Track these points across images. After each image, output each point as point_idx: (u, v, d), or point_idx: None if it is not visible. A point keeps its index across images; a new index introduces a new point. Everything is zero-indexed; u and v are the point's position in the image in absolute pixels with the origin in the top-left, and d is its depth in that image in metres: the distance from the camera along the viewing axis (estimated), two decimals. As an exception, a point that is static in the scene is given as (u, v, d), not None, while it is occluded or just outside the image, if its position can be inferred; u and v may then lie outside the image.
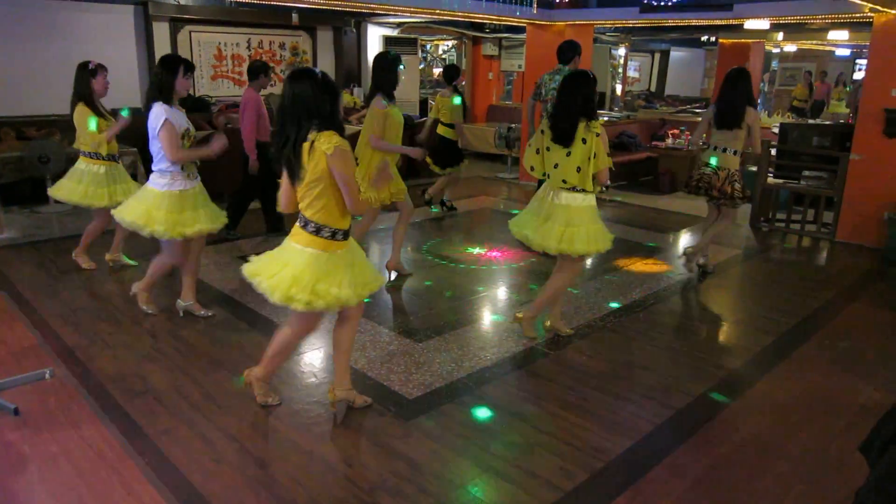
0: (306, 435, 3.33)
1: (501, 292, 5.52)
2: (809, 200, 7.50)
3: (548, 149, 4.13)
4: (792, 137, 8.01)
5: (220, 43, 10.03)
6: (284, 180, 3.18)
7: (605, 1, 8.99)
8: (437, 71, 15.71)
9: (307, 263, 3.13)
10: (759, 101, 15.01)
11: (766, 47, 14.41)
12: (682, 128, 10.45)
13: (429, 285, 5.59)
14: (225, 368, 4.01)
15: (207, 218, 4.51)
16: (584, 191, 4.08)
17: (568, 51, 6.30)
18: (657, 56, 17.73)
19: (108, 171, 5.39)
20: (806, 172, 7.70)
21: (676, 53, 18.50)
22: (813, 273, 6.28)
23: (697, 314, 5.13)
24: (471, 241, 6.91)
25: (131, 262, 5.78)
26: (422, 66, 13.98)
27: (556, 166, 4.08)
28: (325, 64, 11.31)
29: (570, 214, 4.08)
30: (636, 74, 17.57)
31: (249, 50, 10.35)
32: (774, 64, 16.55)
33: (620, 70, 15.28)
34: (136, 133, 8.51)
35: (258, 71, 6.21)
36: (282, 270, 3.14)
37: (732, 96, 5.42)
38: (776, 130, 9.46)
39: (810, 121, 12.43)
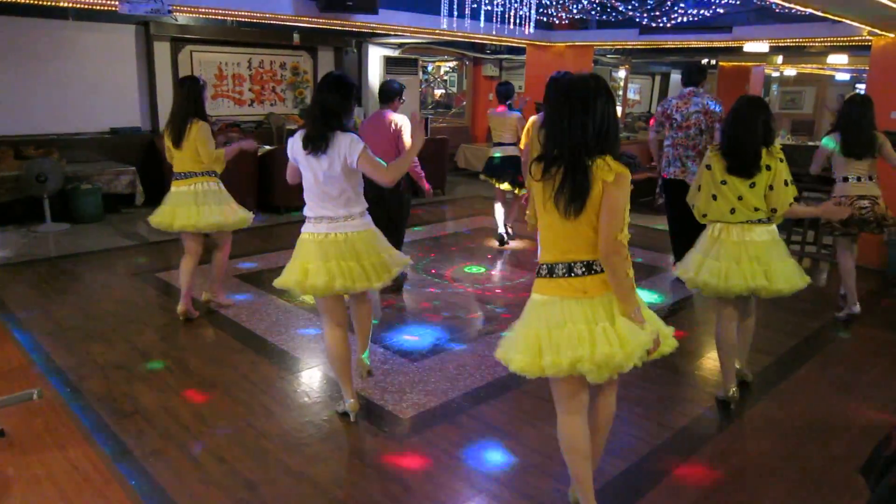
0: (297, 456, 3.27)
1: (499, 312, 5.47)
2: (808, 222, 7.45)
3: (723, 182, 3.66)
4: (792, 159, 7.98)
5: (220, 62, 10.07)
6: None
7: (604, 23, 9.02)
8: (438, 92, 15.77)
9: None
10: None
11: (766, 71, 14.45)
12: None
13: (426, 304, 5.55)
14: (217, 388, 3.95)
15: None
16: (771, 221, 3.71)
17: (696, 73, 6.10)
18: (657, 78, 17.78)
19: (222, 188, 4.95)
20: (805, 194, 7.66)
21: (677, 76, 18.53)
22: (813, 294, 6.21)
23: (697, 334, 5.07)
24: (469, 260, 6.86)
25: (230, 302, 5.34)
26: (422, 87, 14.02)
27: (740, 199, 3.63)
28: (326, 84, 11.33)
29: (769, 249, 3.68)
30: (636, 97, 17.61)
31: (250, 70, 10.39)
32: (774, 88, 16.58)
33: (621, 92, 15.32)
34: (133, 151, 8.62)
35: (398, 93, 5.43)
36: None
37: (863, 124, 5.13)
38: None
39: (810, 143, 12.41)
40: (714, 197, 3.72)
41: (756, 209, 3.63)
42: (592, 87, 2.47)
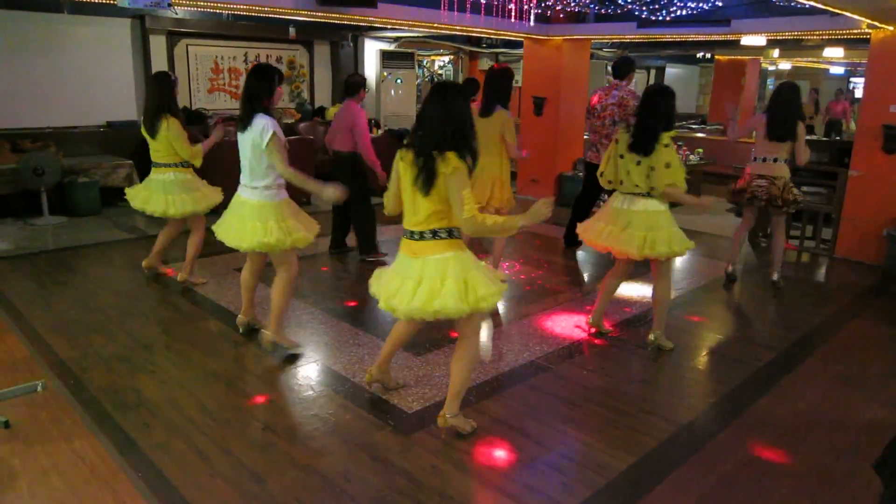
0: (304, 449, 3.27)
1: (500, 306, 5.46)
2: (808, 216, 7.48)
3: (621, 156, 4.28)
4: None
5: (217, 56, 10.03)
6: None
7: (602, 16, 9.00)
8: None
9: (468, 265, 3.14)
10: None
11: (762, 65, 14.48)
12: (680, 143, 10.45)
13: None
14: (221, 381, 3.94)
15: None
16: (652, 196, 4.22)
17: (623, 67, 6.59)
18: (653, 72, 17.81)
19: (193, 177, 5.34)
20: (804, 188, 7.69)
21: (672, 70, 18.59)
22: (813, 289, 6.25)
23: (698, 329, 5.09)
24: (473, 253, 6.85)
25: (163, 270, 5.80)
26: (418, 82, 13.97)
27: (628, 173, 4.24)
28: (322, 78, 11.32)
29: (648, 220, 4.22)
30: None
31: (246, 63, 10.35)
32: (770, 82, 16.62)
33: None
34: (129, 144, 8.57)
35: (360, 86, 6.12)
36: (442, 286, 3.04)
37: (789, 110, 5.57)
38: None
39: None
40: (608, 160, 4.38)
41: (636, 185, 4.23)
42: (451, 91, 3.03)
